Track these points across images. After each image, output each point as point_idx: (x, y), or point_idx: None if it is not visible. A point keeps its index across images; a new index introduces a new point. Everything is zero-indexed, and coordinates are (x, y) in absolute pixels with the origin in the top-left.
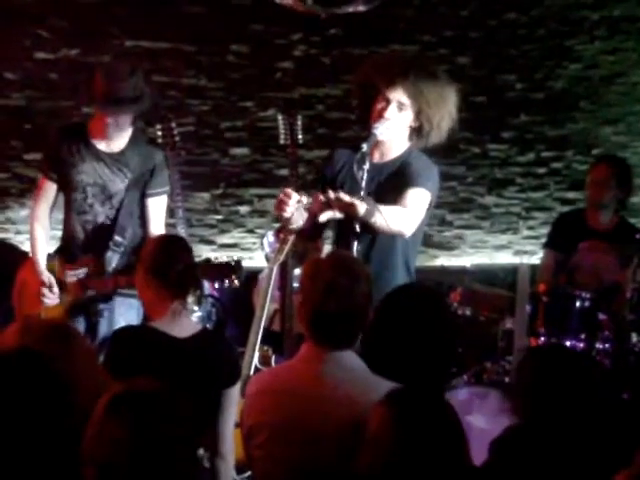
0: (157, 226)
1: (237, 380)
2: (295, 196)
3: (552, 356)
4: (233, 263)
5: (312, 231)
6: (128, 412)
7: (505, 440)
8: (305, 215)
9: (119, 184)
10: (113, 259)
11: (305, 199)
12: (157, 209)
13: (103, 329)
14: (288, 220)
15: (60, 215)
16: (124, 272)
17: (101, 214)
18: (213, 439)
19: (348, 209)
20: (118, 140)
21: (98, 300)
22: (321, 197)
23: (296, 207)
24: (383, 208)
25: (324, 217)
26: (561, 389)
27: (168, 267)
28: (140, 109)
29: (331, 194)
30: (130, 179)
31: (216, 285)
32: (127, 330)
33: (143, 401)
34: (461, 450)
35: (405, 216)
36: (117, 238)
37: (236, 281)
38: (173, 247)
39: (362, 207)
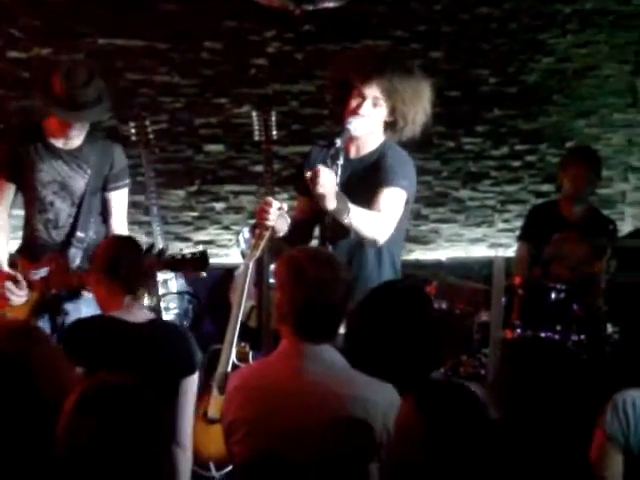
0: (119, 220)
1: (195, 370)
2: (276, 204)
3: (530, 349)
4: (199, 255)
5: (297, 236)
6: (100, 405)
7: None
8: (289, 220)
9: (79, 180)
10: (77, 256)
11: (286, 205)
12: (118, 203)
13: None
14: (273, 228)
15: (21, 214)
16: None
17: (62, 212)
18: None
19: (321, 198)
20: (75, 137)
21: (63, 298)
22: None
23: (278, 214)
24: (358, 211)
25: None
26: (541, 382)
27: (117, 265)
28: (101, 112)
29: (313, 172)
30: (90, 175)
31: (182, 276)
32: (82, 320)
33: (114, 394)
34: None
35: (378, 222)
36: (79, 234)
37: (203, 272)
38: (122, 247)
39: (332, 203)
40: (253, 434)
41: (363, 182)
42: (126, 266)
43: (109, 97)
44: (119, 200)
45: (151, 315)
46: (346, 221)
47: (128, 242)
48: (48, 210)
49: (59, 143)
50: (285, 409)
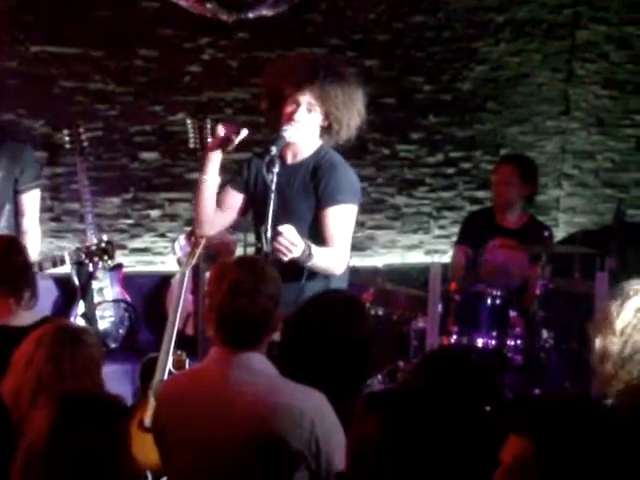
0: (30, 221)
1: None
2: None
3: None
4: (104, 245)
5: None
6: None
7: None
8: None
9: None
10: None
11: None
12: (30, 204)
13: None
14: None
15: None
16: None
17: None
18: None
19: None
20: None
21: None
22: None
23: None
24: (319, 253)
25: None
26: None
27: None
28: None
29: (282, 228)
30: (1, 177)
31: (91, 267)
32: None
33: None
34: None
35: (337, 257)
36: None
37: (109, 261)
38: (5, 248)
39: (298, 252)
40: (183, 443)
41: (302, 190)
42: (11, 268)
43: None
44: (30, 201)
45: (39, 316)
46: (307, 265)
47: (11, 243)
48: None
49: None
50: (213, 419)
